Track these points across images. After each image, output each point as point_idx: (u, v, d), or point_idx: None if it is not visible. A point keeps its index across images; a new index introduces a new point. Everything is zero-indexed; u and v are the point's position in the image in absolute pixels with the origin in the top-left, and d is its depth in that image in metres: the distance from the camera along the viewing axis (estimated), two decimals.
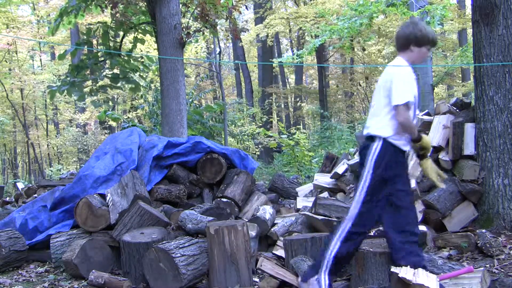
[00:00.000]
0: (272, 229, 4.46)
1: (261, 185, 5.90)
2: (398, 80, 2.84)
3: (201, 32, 7.55)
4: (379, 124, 2.89)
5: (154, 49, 12.91)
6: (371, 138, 2.91)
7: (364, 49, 18.24)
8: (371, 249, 2.97)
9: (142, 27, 8.17)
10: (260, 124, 18.27)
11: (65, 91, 7.85)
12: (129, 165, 4.88)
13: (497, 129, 4.10)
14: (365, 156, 2.91)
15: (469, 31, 16.06)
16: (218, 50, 11.41)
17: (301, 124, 21.66)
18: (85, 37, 8.03)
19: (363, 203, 2.86)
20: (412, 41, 2.92)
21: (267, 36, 17.27)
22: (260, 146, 16.04)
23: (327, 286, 2.86)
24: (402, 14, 7.53)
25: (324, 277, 2.87)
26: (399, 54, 3.01)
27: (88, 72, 8.03)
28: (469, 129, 4.34)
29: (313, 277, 2.91)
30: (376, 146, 2.86)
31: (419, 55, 2.96)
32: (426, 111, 5.38)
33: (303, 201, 5.07)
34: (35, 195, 7.23)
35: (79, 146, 19.40)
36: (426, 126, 4.80)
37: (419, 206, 4.14)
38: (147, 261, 3.47)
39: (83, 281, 3.86)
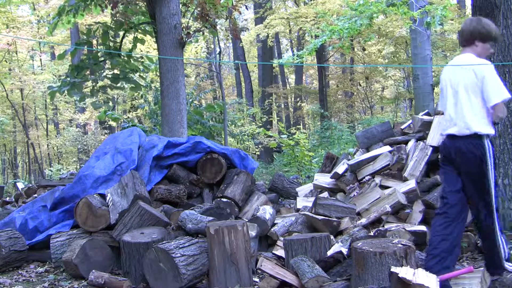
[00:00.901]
0: (272, 229, 4.47)
1: (261, 185, 5.90)
2: (491, 79, 2.91)
3: (201, 32, 7.54)
4: (481, 122, 2.93)
5: (154, 49, 12.92)
6: (477, 136, 2.92)
7: (364, 49, 18.24)
8: (371, 249, 2.97)
9: (142, 27, 8.16)
10: (260, 124, 18.25)
11: (66, 92, 7.85)
12: (129, 165, 4.88)
13: (497, 129, 4.10)
14: (470, 154, 2.93)
15: None
16: (218, 50, 11.38)
17: (301, 124, 21.63)
18: (85, 37, 8.02)
19: (495, 196, 2.99)
20: (476, 36, 3.02)
21: (267, 36, 17.24)
22: (260, 146, 16.03)
23: None
24: (403, 14, 7.51)
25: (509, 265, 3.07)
26: (465, 50, 3.10)
27: (88, 72, 8.03)
28: None
29: (503, 270, 3.06)
30: (488, 145, 2.92)
31: (483, 50, 3.05)
32: (426, 111, 5.37)
33: (303, 201, 5.07)
34: (35, 195, 7.22)
35: (79, 146, 19.36)
36: (426, 126, 4.79)
37: (419, 206, 4.14)
38: (147, 261, 3.47)
39: (83, 281, 3.86)
